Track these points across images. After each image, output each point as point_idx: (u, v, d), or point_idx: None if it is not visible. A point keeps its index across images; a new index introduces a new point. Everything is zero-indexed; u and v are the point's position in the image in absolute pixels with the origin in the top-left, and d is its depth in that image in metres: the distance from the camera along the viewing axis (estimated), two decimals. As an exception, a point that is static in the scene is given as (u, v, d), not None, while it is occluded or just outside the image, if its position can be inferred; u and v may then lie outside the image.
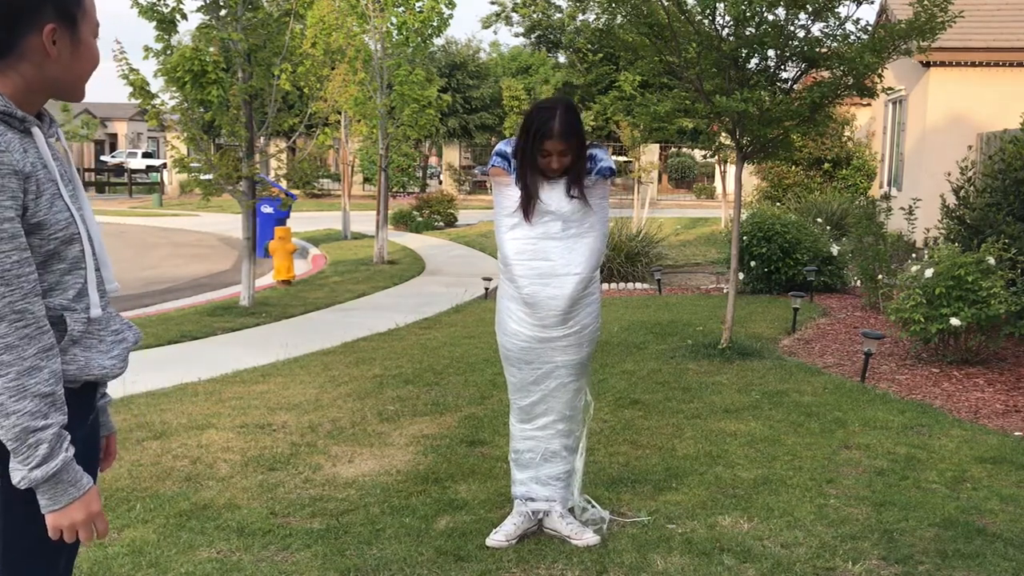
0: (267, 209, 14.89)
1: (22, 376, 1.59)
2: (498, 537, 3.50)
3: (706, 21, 6.56)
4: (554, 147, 3.31)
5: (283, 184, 15.04)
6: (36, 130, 1.68)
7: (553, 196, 3.38)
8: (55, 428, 1.62)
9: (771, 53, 6.71)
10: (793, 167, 18.39)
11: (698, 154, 37.70)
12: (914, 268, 6.81)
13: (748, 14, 6.27)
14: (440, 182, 39.51)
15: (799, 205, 15.26)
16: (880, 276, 8.77)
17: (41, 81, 1.70)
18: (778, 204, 16.23)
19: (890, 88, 6.98)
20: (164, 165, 39.49)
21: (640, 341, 7.47)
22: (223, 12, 9.16)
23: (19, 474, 1.61)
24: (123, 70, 9.03)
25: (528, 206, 3.38)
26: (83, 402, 1.78)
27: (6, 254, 1.58)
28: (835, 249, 10.33)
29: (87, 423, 1.82)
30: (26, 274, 1.62)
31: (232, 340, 7.97)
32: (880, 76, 6.70)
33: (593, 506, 3.73)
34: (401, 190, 33.67)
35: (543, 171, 3.37)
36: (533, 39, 42.94)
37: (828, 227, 12.70)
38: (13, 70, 1.67)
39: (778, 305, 9.29)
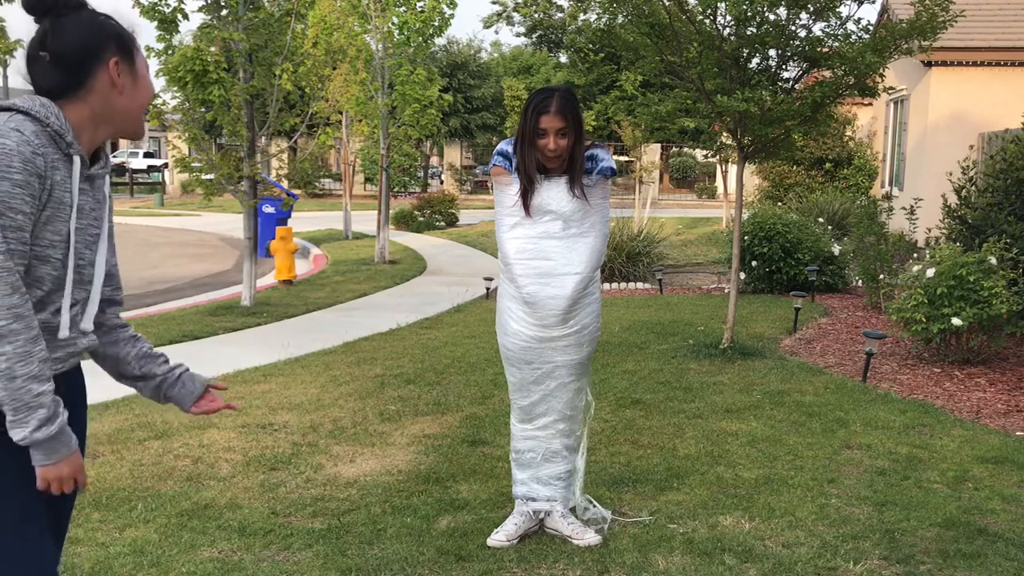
0: (268, 209, 14.90)
1: (29, 344, 1.75)
2: (499, 537, 3.50)
3: (707, 21, 6.56)
4: (550, 124, 3.30)
5: (284, 184, 15.04)
6: (76, 159, 1.86)
7: (554, 195, 3.38)
8: (52, 392, 1.80)
9: (772, 53, 6.71)
10: (794, 167, 18.39)
11: (699, 154, 37.73)
12: (916, 268, 6.80)
13: (749, 14, 6.27)
14: (441, 182, 39.54)
15: (800, 205, 15.26)
16: (882, 276, 8.77)
17: (109, 112, 1.91)
18: (779, 204, 16.24)
19: (891, 88, 6.98)
20: (165, 165, 39.55)
21: (641, 341, 7.47)
22: (224, 12, 9.17)
23: (21, 432, 1.76)
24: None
25: (527, 194, 3.37)
26: None
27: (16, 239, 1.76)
28: (836, 249, 10.32)
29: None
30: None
31: (233, 340, 7.97)
32: (881, 76, 6.70)
33: (594, 506, 3.73)
34: (402, 190, 33.70)
35: (541, 159, 3.36)
36: (534, 39, 42.98)
37: (829, 227, 12.70)
38: (84, 102, 1.89)
39: (779, 305, 9.29)
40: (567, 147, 3.34)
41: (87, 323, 1.97)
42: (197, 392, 2.21)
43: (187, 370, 2.22)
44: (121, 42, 1.91)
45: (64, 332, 1.90)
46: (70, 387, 2.01)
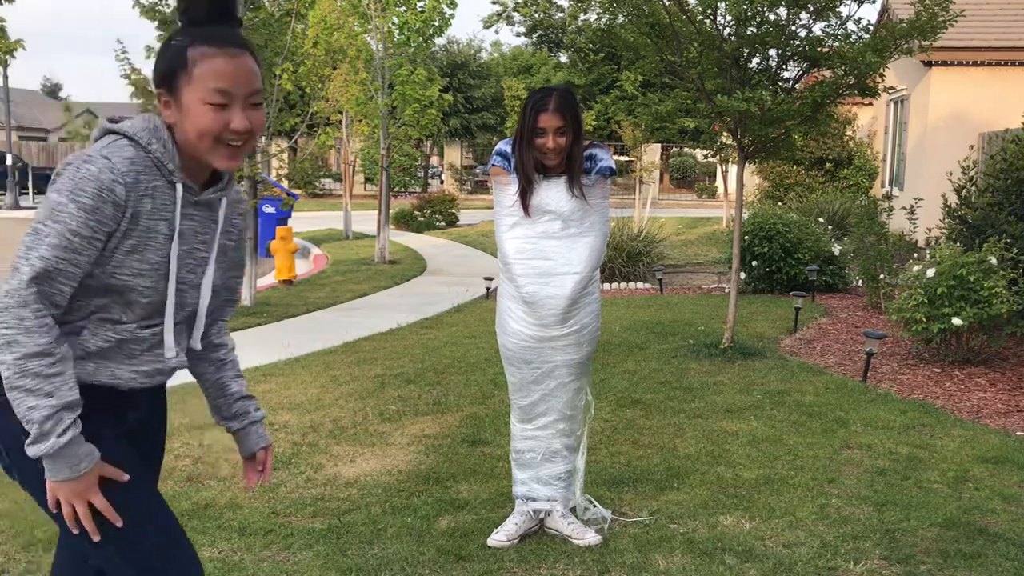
0: (269, 209, 14.89)
1: (27, 359, 1.73)
2: (499, 537, 3.50)
3: (707, 21, 6.56)
4: (549, 122, 3.29)
5: (285, 184, 15.05)
6: (179, 187, 1.85)
7: (553, 195, 3.38)
8: (50, 410, 1.75)
9: (772, 53, 6.71)
10: (795, 167, 18.39)
11: (700, 154, 37.70)
12: (916, 268, 6.80)
13: (749, 13, 6.27)
14: (441, 182, 39.55)
15: (801, 205, 15.26)
16: (882, 276, 8.77)
17: (182, 142, 1.86)
18: (780, 204, 16.23)
19: (891, 88, 6.98)
20: (166, 165, 39.50)
21: (641, 341, 7.47)
22: (224, 12, 9.16)
23: (34, 449, 1.76)
24: (125, 70, 9.04)
25: (525, 194, 3.37)
26: (109, 403, 1.91)
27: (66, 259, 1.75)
28: (837, 249, 10.32)
29: (120, 424, 1.96)
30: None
31: (234, 340, 7.97)
32: (881, 75, 6.70)
33: (595, 506, 3.73)
34: (402, 190, 33.69)
35: (540, 158, 3.36)
36: (534, 39, 42.96)
37: (830, 227, 12.70)
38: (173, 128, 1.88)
39: (780, 305, 9.29)
40: (566, 146, 3.33)
41: (194, 342, 2.01)
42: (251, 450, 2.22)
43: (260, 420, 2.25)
44: (168, 73, 1.83)
45: (169, 351, 1.93)
46: (151, 405, 2.04)
